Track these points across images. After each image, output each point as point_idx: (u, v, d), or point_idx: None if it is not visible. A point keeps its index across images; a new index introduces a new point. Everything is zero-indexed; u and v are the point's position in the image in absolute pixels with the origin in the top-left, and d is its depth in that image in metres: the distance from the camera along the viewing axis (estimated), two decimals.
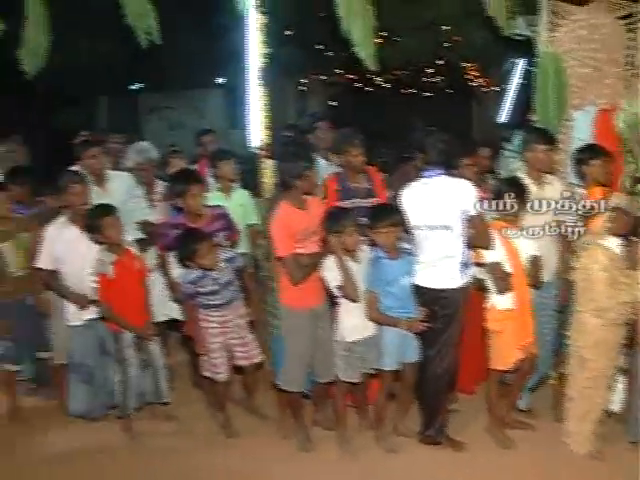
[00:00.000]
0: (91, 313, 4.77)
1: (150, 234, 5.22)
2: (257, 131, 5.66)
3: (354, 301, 4.32)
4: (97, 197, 5.02)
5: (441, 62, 12.18)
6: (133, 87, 14.96)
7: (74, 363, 4.88)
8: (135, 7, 5.46)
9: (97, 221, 4.56)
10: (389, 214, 4.36)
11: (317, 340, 4.44)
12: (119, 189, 5.34)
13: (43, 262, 4.81)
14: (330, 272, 4.31)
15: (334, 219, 4.30)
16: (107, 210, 4.62)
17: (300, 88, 13.63)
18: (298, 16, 10.25)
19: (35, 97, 11.10)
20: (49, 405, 5.31)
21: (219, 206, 4.99)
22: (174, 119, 15.31)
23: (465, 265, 4.33)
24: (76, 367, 4.87)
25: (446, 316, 4.34)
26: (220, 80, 14.84)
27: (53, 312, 5.06)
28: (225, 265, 4.59)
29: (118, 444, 4.77)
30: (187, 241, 4.51)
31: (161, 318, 5.24)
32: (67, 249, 4.76)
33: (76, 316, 4.82)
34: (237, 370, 4.90)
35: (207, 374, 4.73)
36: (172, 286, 4.94)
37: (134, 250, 4.77)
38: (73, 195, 4.76)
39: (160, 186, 5.65)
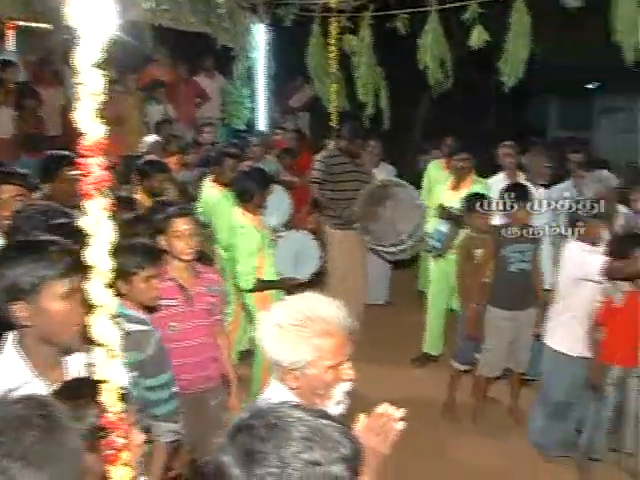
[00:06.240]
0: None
1: None
2: None
3: None
4: None
5: None
6: (589, 86, 14.54)
7: (550, 395, 4.66)
8: (624, 24, 5.24)
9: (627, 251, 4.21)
10: None
11: None
12: None
13: None
14: None
15: None
16: None
17: None
18: None
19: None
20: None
21: None
22: (628, 121, 14.56)
23: None
24: (549, 400, 4.65)
25: None
26: None
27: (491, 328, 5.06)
28: None
29: None
30: None
31: None
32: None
33: (576, 346, 4.53)
34: None
35: None
36: None
37: None
38: None
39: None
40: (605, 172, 5.48)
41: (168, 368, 3.27)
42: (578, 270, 4.40)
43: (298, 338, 1.92)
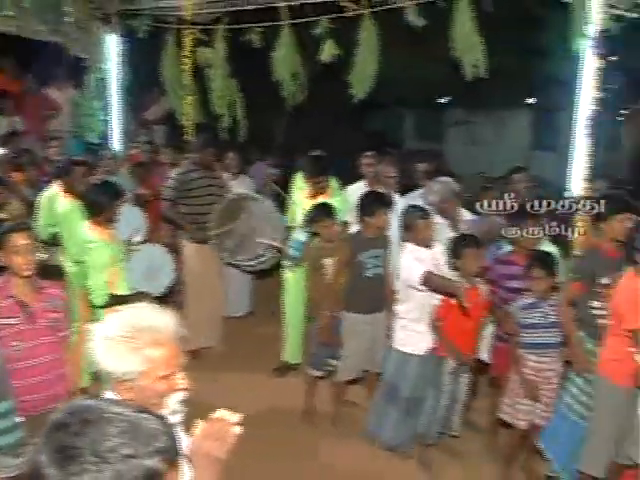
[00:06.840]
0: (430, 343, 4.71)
1: None
2: (577, 176, 5.20)
3: None
4: None
5: None
6: (441, 101, 15.26)
7: (399, 394, 4.78)
8: (464, 42, 5.54)
9: (459, 250, 4.50)
10: None
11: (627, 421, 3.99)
12: None
13: None
14: None
15: None
16: (472, 242, 4.55)
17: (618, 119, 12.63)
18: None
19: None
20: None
21: None
22: (476, 134, 15.43)
23: None
24: (399, 397, 4.78)
25: None
26: (529, 101, 14.53)
27: (350, 333, 5.17)
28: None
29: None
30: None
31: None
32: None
33: (420, 345, 4.73)
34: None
35: (506, 418, 4.54)
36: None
37: (482, 289, 4.60)
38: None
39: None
40: (446, 178, 5.77)
41: (9, 395, 3.12)
42: (407, 278, 4.61)
43: (128, 349, 1.91)
